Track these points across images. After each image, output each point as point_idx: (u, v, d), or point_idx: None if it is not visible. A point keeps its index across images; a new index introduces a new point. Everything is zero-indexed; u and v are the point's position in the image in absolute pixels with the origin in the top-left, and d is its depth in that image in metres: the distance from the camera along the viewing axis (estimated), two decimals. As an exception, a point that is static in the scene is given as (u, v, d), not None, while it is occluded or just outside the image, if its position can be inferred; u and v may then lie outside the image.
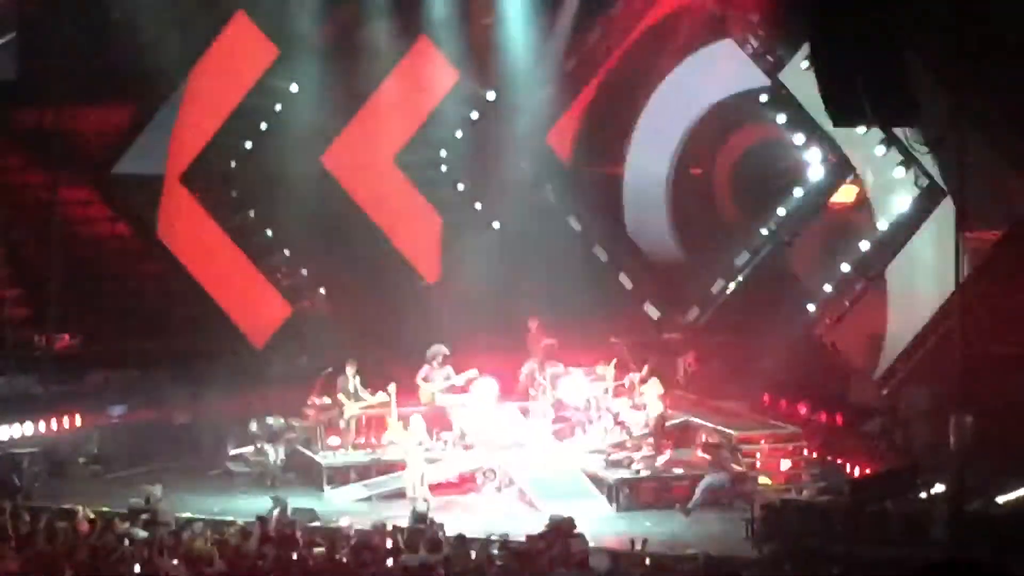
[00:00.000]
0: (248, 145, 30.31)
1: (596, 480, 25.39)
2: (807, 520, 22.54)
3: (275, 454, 26.32)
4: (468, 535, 21.11)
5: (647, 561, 20.76)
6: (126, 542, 20.69)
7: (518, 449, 26.00)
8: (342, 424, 26.95)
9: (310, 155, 30.09)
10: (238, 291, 30.24)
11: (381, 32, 30.07)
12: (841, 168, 28.34)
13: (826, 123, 25.04)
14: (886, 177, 27.41)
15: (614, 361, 26.91)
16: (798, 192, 29.02)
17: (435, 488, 25.16)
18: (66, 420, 27.11)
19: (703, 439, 26.00)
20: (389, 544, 21.00)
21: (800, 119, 28.06)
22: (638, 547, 21.09)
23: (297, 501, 24.16)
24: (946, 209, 26.13)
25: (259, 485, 25.98)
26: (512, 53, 30.04)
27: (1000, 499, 23.51)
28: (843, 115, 22.46)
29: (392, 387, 27.03)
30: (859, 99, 21.18)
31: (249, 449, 26.89)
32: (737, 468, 25.39)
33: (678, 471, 25.41)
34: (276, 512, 22.52)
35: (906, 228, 27.84)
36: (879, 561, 20.31)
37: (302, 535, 21.45)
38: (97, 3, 29.24)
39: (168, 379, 29.07)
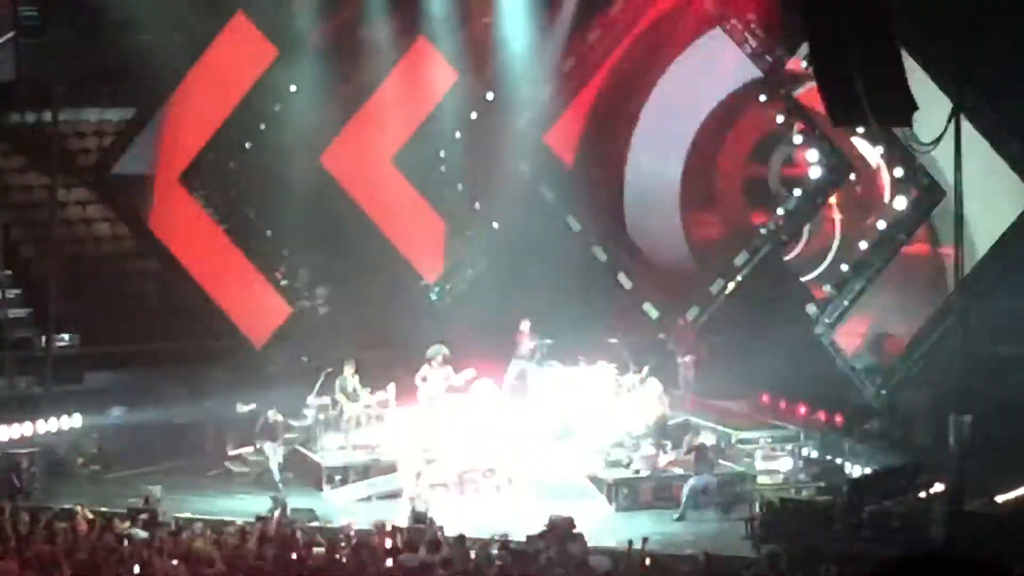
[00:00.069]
0: (247, 145, 30.31)
1: (595, 480, 25.39)
2: (806, 520, 22.56)
3: (274, 454, 26.28)
4: (467, 535, 21.12)
5: (647, 561, 20.76)
6: (125, 542, 20.71)
7: (517, 449, 25.99)
8: (341, 424, 26.96)
9: (309, 155, 30.08)
10: (237, 291, 30.22)
11: (380, 32, 30.08)
12: (840, 168, 28.33)
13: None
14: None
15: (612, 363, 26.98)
16: (797, 192, 29.01)
17: (434, 488, 25.14)
18: (65, 420, 27.09)
19: (688, 440, 25.96)
20: (388, 544, 21.01)
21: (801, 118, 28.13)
22: (637, 547, 21.09)
23: (296, 501, 24.18)
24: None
25: (258, 485, 25.97)
26: (511, 53, 30.04)
27: (999, 498, 23.53)
28: (842, 115, 22.48)
29: (391, 387, 27.05)
30: (858, 99, 21.20)
31: (248, 449, 26.89)
32: (723, 469, 25.40)
33: (677, 471, 25.40)
34: (276, 512, 22.54)
35: (906, 228, 27.85)
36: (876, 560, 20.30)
37: (302, 535, 21.47)
38: (97, 3, 29.24)
39: (167, 379, 29.08)
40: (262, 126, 30.20)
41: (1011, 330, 26.15)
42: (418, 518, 22.64)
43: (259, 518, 22.28)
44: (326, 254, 30.70)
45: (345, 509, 24.33)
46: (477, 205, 31.20)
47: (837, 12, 21.35)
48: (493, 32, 30.13)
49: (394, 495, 25.12)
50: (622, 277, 30.11)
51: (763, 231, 29.27)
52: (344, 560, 20.08)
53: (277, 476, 25.78)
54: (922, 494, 23.88)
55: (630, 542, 21.23)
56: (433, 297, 30.72)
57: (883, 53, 21.49)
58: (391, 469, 25.69)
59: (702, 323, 29.40)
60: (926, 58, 25.66)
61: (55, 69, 29.45)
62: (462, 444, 26.08)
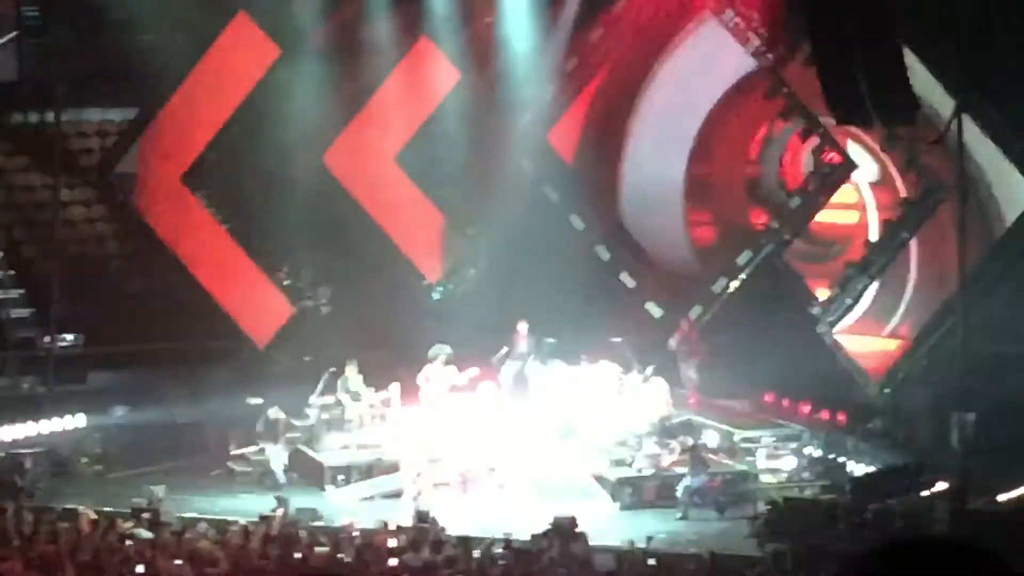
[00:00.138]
0: (250, 145, 30.30)
1: (599, 479, 25.39)
2: (810, 519, 22.56)
3: (277, 454, 26.28)
4: (471, 535, 21.12)
5: (651, 560, 20.76)
6: (129, 542, 20.71)
7: (520, 449, 25.98)
8: (345, 424, 26.96)
9: (312, 154, 30.07)
10: (240, 291, 30.24)
11: (382, 31, 30.07)
12: (843, 166, 28.32)
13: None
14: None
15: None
16: (799, 190, 29.01)
17: (437, 487, 25.14)
18: (68, 421, 27.09)
19: (680, 440, 25.94)
20: (392, 544, 21.01)
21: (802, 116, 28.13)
22: (641, 546, 21.10)
23: (300, 501, 24.18)
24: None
25: (261, 485, 25.97)
26: (513, 52, 30.04)
27: (1002, 497, 23.53)
28: (845, 113, 22.51)
29: (394, 386, 27.05)
30: (860, 97, 21.22)
31: (252, 449, 26.89)
32: (718, 468, 25.41)
33: (681, 470, 25.39)
34: (279, 512, 22.55)
35: (909, 226, 27.83)
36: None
37: (305, 535, 21.47)
38: (99, 3, 29.24)
39: (170, 379, 29.09)
40: (264, 126, 30.19)
41: (1013, 329, 26.14)
42: (421, 518, 22.64)
43: (262, 518, 22.29)
44: (329, 254, 30.69)
45: (348, 509, 24.32)
46: (479, 204, 31.18)
47: (840, 12, 21.37)
48: (496, 31, 30.13)
49: (397, 495, 25.11)
50: (625, 276, 30.10)
51: (766, 230, 29.27)
52: (347, 560, 20.08)
53: (280, 476, 25.79)
54: (925, 493, 23.89)
55: (631, 542, 21.27)
56: (435, 297, 30.71)
57: (886, 52, 21.51)
58: (394, 469, 25.68)
59: (705, 322, 29.40)
60: (930, 57, 25.66)
61: (57, 69, 29.45)
62: (465, 444, 26.08)
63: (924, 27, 25.38)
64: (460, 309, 30.05)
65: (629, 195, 30.82)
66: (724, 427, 27.06)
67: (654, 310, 29.83)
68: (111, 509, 23.22)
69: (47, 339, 28.45)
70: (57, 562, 19.19)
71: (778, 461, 26.28)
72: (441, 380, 26.75)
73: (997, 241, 27.01)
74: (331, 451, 26.61)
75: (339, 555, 20.32)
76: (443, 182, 30.91)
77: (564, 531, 21.45)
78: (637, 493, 25.02)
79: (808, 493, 25.04)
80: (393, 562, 20.24)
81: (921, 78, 24.48)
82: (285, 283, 30.55)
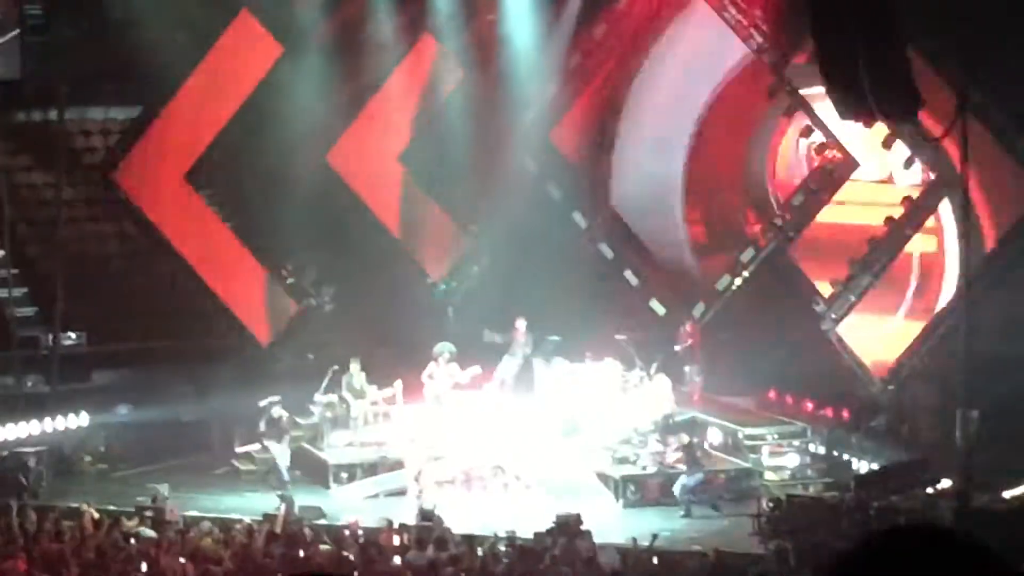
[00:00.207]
0: (253, 143, 30.29)
1: (603, 477, 25.39)
2: (814, 516, 22.56)
3: (281, 452, 26.28)
4: (475, 532, 21.12)
5: (655, 558, 20.77)
6: (132, 541, 20.72)
7: (524, 446, 25.99)
8: (349, 421, 26.97)
9: (315, 153, 30.07)
10: (244, 289, 30.24)
11: (385, 29, 30.05)
12: (847, 164, 28.30)
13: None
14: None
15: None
16: (801, 187, 28.98)
17: (441, 485, 25.14)
18: (72, 419, 27.10)
19: (677, 438, 25.93)
20: (396, 542, 21.02)
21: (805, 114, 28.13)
22: (645, 543, 21.09)
23: (304, 499, 24.19)
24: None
25: (265, 483, 25.98)
26: (516, 49, 30.02)
27: (1006, 494, 23.52)
28: (848, 110, 22.49)
29: (398, 384, 27.05)
30: (863, 94, 21.20)
31: (256, 447, 26.89)
32: (713, 465, 25.41)
33: (683, 467, 25.38)
34: (283, 510, 22.55)
35: (912, 222, 27.82)
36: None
37: (309, 533, 21.48)
38: (101, 2, 29.25)
39: (174, 377, 29.09)
40: (267, 124, 30.18)
41: (1015, 327, 26.12)
42: (425, 516, 22.64)
43: (266, 516, 22.30)
44: (332, 252, 30.67)
45: (352, 507, 24.33)
46: (482, 202, 31.18)
47: (843, 9, 21.35)
48: (498, 29, 30.11)
49: (401, 492, 25.11)
50: (628, 274, 30.08)
51: (769, 227, 29.24)
52: (351, 557, 20.09)
53: (284, 474, 25.80)
54: (929, 490, 23.88)
55: (635, 540, 21.27)
56: (439, 294, 30.70)
57: (889, 49, 21.49)
58: (398, 466, 25.69)
59: (708, 319, 29.38)
60: (932, 54, 25.64)
61: (60, 68, 29.44)
62: (469, 441, 26.09)
63: (926, 24, 25.37)
64: (463, 307, 30.05)
65: (630, 193, 30.77)
66: (728, 424, 27.05)
67: (658, 308, 29.81)
68: (115, 507, 23.25)
69: (51, 338, 28.46)
70: (61, 560, 19.21)
71: (781, 458, 26.28)
72: (445, 378, 26.76)
73: (1001, 238, 26.99)
74: (335, 449, 26.62)
75: (343, 553, 20.32)
76: (446, 180, 30.90)
77: (568, 529, 21.45)
78: (640, 491, 25.03)
79: (811, 490, 25.04)
80: (397, 560, 20.25)
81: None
82: (288, 281, 30.55)
